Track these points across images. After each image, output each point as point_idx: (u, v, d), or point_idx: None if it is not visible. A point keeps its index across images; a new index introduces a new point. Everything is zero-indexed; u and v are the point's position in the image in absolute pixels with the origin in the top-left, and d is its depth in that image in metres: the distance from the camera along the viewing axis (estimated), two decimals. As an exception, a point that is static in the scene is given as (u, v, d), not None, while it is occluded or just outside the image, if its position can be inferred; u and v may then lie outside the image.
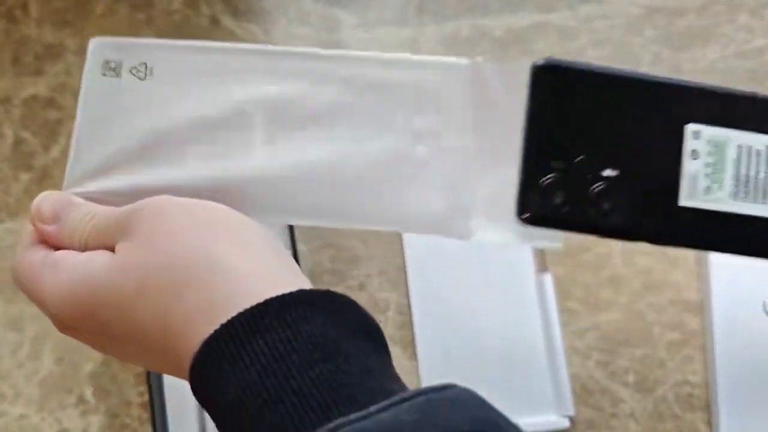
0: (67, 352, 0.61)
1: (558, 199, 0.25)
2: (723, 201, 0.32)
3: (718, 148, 0.33)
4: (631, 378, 0.62)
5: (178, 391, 0.60)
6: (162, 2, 0.70)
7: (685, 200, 0.30)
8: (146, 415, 0.60)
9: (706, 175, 0.32)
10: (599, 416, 0.61)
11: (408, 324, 0.63)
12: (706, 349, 0.63)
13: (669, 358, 0.63)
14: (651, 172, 0.31)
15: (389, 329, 0.63)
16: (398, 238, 0.65)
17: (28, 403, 0.61)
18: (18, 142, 0.66)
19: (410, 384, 0.63)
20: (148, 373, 0.58)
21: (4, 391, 0.61)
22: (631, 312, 0.63)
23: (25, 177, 0.65)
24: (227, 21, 0.70)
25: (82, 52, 0.72)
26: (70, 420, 0.60)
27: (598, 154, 0.28)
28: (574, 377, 0.61)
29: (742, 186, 0.33)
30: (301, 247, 0.64)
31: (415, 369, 0.63)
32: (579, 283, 0.63)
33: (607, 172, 0.28)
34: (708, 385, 0.62)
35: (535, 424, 0.59)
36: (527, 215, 0.25)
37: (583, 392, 0.61)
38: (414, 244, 0.64)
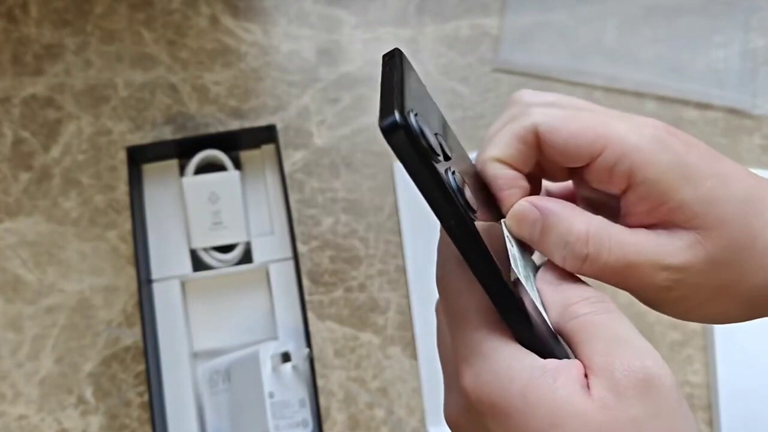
0: (66, 352, 0.61)
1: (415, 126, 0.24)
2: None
3: None
4: (631, 378, 0.62)
5: (178, 391, 0.60)
6: (161, 1, 0.70)
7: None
8: (146, 416, 0.60)
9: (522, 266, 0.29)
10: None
11: (408, 324, 0.63)
12: (706, 349, 0.63)
13: (670, 358, 0.63)
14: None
15: (389, 329, 0.63)
16: (398, 238, 0.65)
17: (28, 404, 0.60)
18: (17, 142, 0.66)
19: (410, 383, 0.63)
20: (148, 373, 0.58)
21: (3, 391, 0.61)
22: (632, 312, 0.63)
23: (24, 177, 0.65)
24: (227, 20, 0.70)
25: (81, 51, 0.73)
26: (70, 420, 0.60)
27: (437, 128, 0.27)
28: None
29: None
30: (301, 247, 0.64)
31: (415, 368, 0.63)
32: (579, 283, 0.63)
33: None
34: (709, 385, 0.62)
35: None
36: (393, 123, 0.23)
37: (583, 392, 0.61)
38: (414, 244, 0.64)
